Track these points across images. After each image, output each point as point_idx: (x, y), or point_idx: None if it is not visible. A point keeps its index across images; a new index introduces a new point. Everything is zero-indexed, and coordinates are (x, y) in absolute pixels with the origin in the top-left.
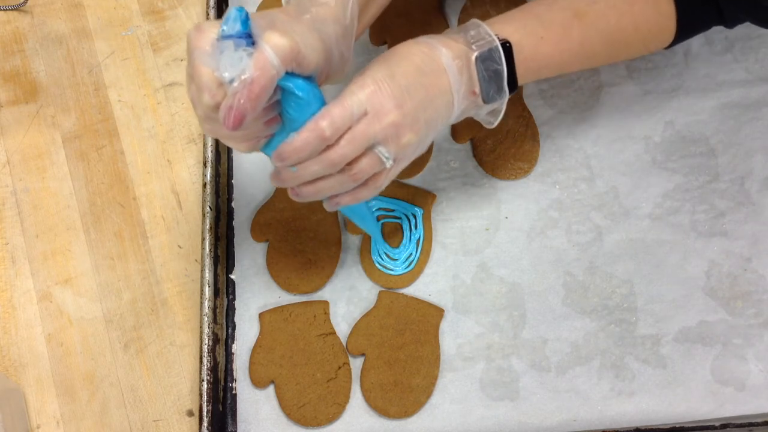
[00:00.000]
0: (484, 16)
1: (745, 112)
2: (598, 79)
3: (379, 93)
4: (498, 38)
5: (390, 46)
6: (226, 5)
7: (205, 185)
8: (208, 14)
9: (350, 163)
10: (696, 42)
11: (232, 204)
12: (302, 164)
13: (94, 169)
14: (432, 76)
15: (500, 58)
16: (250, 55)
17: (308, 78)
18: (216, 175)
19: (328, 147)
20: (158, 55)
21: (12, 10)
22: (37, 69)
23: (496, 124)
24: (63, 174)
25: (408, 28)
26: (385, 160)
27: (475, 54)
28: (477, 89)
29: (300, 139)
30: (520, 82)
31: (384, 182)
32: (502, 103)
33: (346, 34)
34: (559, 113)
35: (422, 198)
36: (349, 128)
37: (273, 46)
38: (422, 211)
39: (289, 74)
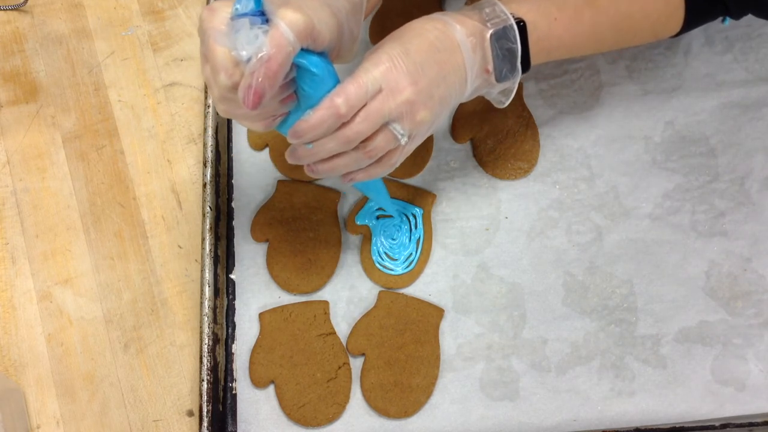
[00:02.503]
0: None
1: (745, 112)
2: (598, 79)
3: (394, 70)
4: (513, 16)
5: None
6: None
7: (205, 185)
8: None
9: (365, 141)
10: (696, 42)
11: (232, 204)
12: (318, 141)
13: (94, 169)
14: (446, 52)
15: (515, 36)
16: (265, 32)
17: (321, 54)
18: (216, 175)
19: (344, 124)
20: (158, 55)
21: (12, 10)
22: (37, 69)
23: (507, 103)
24: (63, 174)
25: None
26: (399, 137)
27: (490, 32)
28: (490, 67)
29: (316, 117)
30: (533, 62)
31: (398, 159)
32: (514, 83)
33: (355, 11)
34: (559, 113)
35: (422, 198)
36: (364, 105)
37: (288, 22)
38: (422, 211)
39: (303, 51)
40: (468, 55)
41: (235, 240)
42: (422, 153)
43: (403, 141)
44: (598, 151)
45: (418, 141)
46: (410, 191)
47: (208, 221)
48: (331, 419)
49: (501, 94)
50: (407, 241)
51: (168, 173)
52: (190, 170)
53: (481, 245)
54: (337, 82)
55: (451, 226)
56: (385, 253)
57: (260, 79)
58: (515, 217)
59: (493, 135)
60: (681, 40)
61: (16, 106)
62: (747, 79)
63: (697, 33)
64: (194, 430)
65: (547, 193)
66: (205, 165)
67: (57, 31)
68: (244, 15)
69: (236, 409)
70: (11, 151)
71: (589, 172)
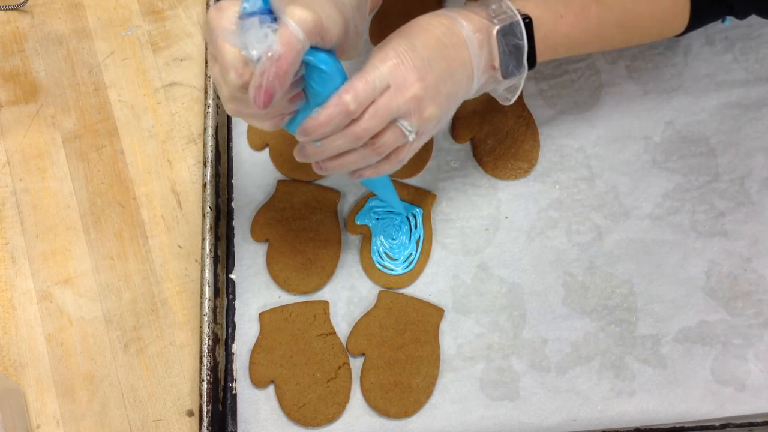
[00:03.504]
0: None
1: (745, 112)
2: (598, 79)
3: (401, 66)
4: (519, 13)
5: None
6: None
7: (205, 185)
8: None
9: (373, 137)
10: (696, 42)
11: (232, 204)
12: (327, 139)
13: (94, 169)
14: (452, 48)
15: (521, 32)
16: (275, 31)
17: (329, 51)
18: (216, 175)
19: (352, 121)
20: (158, 55)
21: (12, 10)
22: (37, 69)
23: (513, 100)
24: (63, 174)
25: None
26: (407, 133)
27: (497, 28)
28: (497, 63)
29: (325, 114)
30: (539, 59)
31: (406, 156)
32: (521, 79)
33: (360, 7)
34: (559, 113)
35: (422, 198)
36: (372, 102)
37: (297, 20)
38: (422, 211)
39: (312, 48)
40: (474, 51)
41: (235, 240)
42: (422, 153)
43: (411, 137)
44: (598, 151)
45: (426, 137)
46: (410, 191)
47: (208, 221)
48: (331, 419)
49: (507, 91)
50: (407, 241)
51: (168, 173)
52: (190, 170)
53: (481, 245)
54: (345, 79)
55: (451, 226)
56: (385, 253)
57: (271, 78)
58: (515, 217)
59: (493, 135)
60: (681, 40)
61: (16, 106)
62: (747, 79)
63: (697, 33)
64: (194, 430)
65: (547, 193)
66: (205, 165)
67: (57, 31)
68: (253, 14)
69: (236, 409)
70: (11, 151)
71: (589, 172)
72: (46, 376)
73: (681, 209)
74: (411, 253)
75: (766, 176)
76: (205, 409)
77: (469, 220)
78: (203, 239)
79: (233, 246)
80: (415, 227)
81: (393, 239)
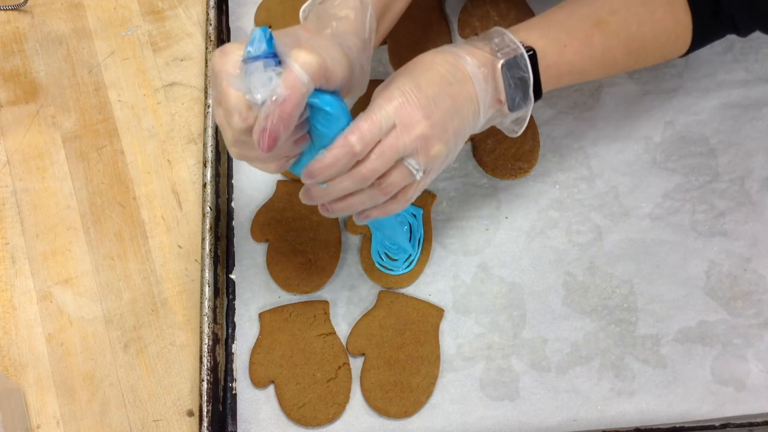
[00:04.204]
0: (484, 16)
1: (745, 112)
2: (599, 79)
3: (406, 105)
4: (522, 45)
5: (390, 47)
6: (226, 5)
7: (205, 185)
8: (208, 14)
9: (380, 177)
10: None
11: (232, 204)
12: (332, 180)
13: (94, 169)
14: (458, 85)
15: (526, 65)
16: (279, 74)
17: (334, 93)
18: (216, 175)
19: (358, 162)
20: (158, 55)
21: (12, 10)
22: (37, 69)
23: (520, 132)
24: (63, 174)
25: (408, 28)
26: (415, 172)
27: (501, 61)
28: (502, 97)
29: (330, 156)
30: (544, 89)
31: (414, 195)
32: (527, 111)
33: (365, 47)
34: (559, 113)
35: (422, 198)
36: (378, 142)
37: (302, 63)
38: (422, 211)
39: (316, 90)
40: (480, 86)
41: (235, 240)
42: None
43: (419, 176)
44: (598, 151)
45: (434, 175)
46: None
47: (208, 221)
48: (331, 419)
49: (514, 123)
50: (407, 241)
51: (168, 173)
52: (190, 170)
53: (481, 245)
54: (350, 120)
55: (451, 226)
56: (385, 253)
57: (275, 122)
58: (515, 217)
59: (493, 135)
60: None
61: (16, 106)
62: (747, 79)
63: None
64: (194, 430)
65: (547, 193)
66: (205, 165)
67: (57, 31)
68: (257, 58)
69: (236, 409)
70: (11, 151)
71: (589, 172)
72: (46, 376)
73: (681, 209)
74: (411, 253)
75: (766, 176)
76: (205, 409)
77: (469, 220)
78: (203, 239)
79: (233, 246)
80: (415, 227)
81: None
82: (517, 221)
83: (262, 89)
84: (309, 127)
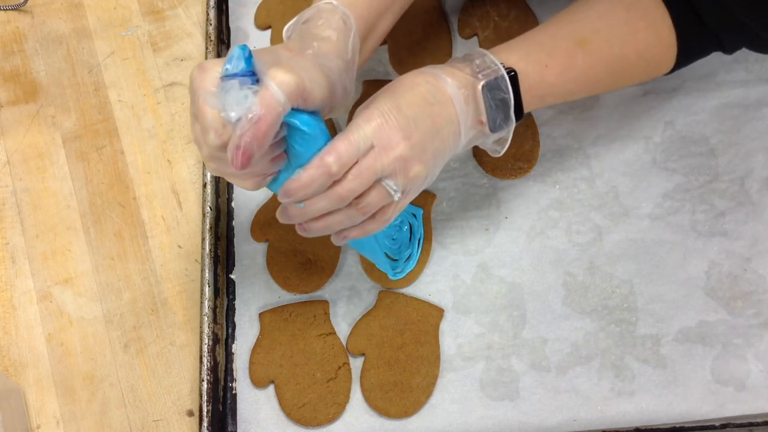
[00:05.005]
0: (484, 16)
1: (745, 112)
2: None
3: (385, 126)
4: (503, 66)
5: (390, 48)
6: (226, 5)
7: (205, 185)
8: (208, 14)
9: (358, 197)
10: None
11: (232, 204)
12: (309, 200)
13: (94, 169)
14: (438, 106)
15: (507, 86)
16: (255, 93)
17: (313, 113)
18: (216, 175)
19: (335, 182)
20: (158, 55)
21: (12, 10)
22: (37, 69)
23: (502, 152)
24: (63, 174)
25: (408, 29)
26: (393, 193)
27: (482, 83)
28: (484, 118)
29: (306, 176)
30: (526, 109)
31: (392, 215)
32: (509, 132)
33: (348, 68)
34: (559, 113)
35: (422, 198)
36: (356, 163)
37: (279, 82)
38: (422, 211)
39: (294, 110)
40: (461, 107)
41: (235, 240)
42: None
43: (397, 197)
44: (598, 151)
45: (413, 195)
46: None
47: (208, 221)
48: (331, 419)
49: (496, 143)
50: (407, 241)
51: (168, 173)
52: (190, 170)
53: (481, 245)
54: (329, 140)
55: (451, 226)
56: (385, 253)
57: (249, 140)
58: (515, 217)
59: None
60: None
61: (16, 106)
62: (747, 79)
63: None
64: (194, 430)
65: (547, 193)
66: (205, 165)
67: (57, 31)
68: (235, 76)
69: (236, 409)
70: (11, 151)
71: (589, 172)
72: (46, 376)
73: (681, 209)
74: (411, 253)
75: (766, 176)
76: (205, 409)
77: (469, 220)
78: (203, 239)
79: (233, 246)
80: (415, 227)
81: (393, 239)
82: (517, 221)
83: (237, 107)
84: (286, 146)
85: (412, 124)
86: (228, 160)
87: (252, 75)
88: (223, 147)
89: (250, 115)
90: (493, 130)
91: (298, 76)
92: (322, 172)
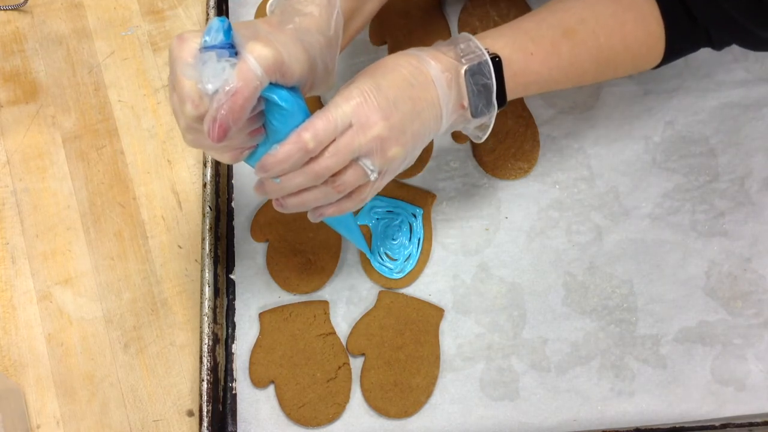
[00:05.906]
0: (484, 16)
1: (745, 112)
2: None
3: (364, 105)
4: (488, 52)
5: (390, 46)
6: (226, 5)
7: (205, 185)
8: (208, 14)
9: (334, 175)
10: None
11: (232, 204)
12: (286, 176)
13: (94, 169)
14: (420, 88)
15: (490, 72)
16: (233, 65)
17: (292, 89)
18: (216, 175)
19: (312, 159)
20: (158, 55)
21: (12, 10)
22: (37, 69)
23: (483, 138)
24: (63, 174)
25: (408, 28)
26: (369, 172)
27: (465, 67)
28: (465, 102)
29: (283, 151)
30: (509, 97)
31: (369, 195)
32: (491, 118)
33: (330, 45)
34: (559, 113)
35: (422, 198)
36: (334, 140)
37: (257, 56)
38: (422, 211)
39: (273, 85)
40: (443, 90)
41: (235, 240)
42: (422, 153)
43: (373, 177)
44: (598, 151)
45: (390, 176)
46: (410, 191)
47: (208, 221)
48: (331, 419)
49: (477, 129)
50: (407, 241)
51: (168, 173)
52: (190, 170)
53: (481, 245)
54: (307, 116)
55: (451, 226)
56: (385, 253)
57: (225, 113)
58: (515, 217)
59: (493, 135)
60: None
61: (16, 106)
62: (747, 79)
63: None
64: (194, 430)
65: (547, 193)
66: (205, 165)
67: (57, 31)
68: (213, 47)
69: (236, 409)
70: (11, 151)
71: (589, 172)
72: (46, 376)
73: (681, 209)
74: (411, 253)
75: (766, 176)
76: (205, 409)
77: (469, 220)
78: (203, 239)
79: (233, 246)
80: (415, 227)
81: (393, 239)
82: (517, 221)
83: (214, 79)
84: (264, 120)
85: (392, 104)
86: (205, 132)
87: (230, 48)
88: (200, 118)
89: (227, 88)
90: (474, 115)
91: (276, 50)
92: (299, 147)
